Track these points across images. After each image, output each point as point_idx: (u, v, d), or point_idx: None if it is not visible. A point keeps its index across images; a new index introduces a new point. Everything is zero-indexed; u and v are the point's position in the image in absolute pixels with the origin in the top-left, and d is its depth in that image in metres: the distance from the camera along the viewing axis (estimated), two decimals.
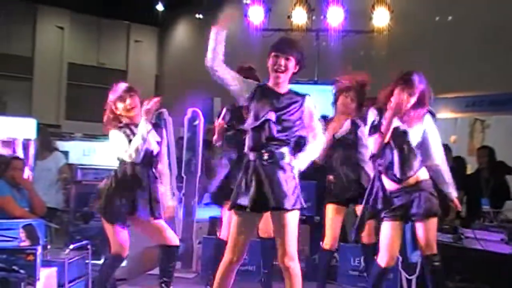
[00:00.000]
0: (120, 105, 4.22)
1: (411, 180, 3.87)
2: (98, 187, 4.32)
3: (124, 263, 5.73)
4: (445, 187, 3.99)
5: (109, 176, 4.28)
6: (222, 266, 3.58)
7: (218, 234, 4.94)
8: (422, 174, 3.91)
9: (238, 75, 3.65)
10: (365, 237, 4.71)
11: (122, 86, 4.28)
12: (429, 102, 3.93)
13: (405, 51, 8.75)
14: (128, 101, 4.22)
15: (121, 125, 4.23)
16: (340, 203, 4.68)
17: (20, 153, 6.22)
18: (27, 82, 16.83)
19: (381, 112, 3.95)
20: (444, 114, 8.76)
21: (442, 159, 4.00)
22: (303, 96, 3.60)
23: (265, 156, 3.47)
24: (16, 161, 5.57)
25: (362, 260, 5.13)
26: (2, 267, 3.90)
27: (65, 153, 6.67)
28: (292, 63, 3.54)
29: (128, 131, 4.20)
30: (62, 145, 6.98)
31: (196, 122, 6.03)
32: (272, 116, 3.48)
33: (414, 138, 3.88)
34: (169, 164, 5.85)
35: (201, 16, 15.59)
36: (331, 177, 4.76)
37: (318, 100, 4.12)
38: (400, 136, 3.87)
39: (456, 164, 6.97)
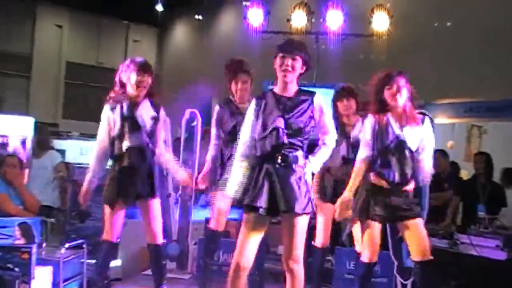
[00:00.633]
0: (133, 77, 4.23)
1: (404, 186, 3.92)
2: None
3: (119, 263, 5.74)
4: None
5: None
6: (230, 272, 3.55)
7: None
8: (412, 184, 3.97)
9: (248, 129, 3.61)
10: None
11: (143, 61, 4.29)
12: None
13: (404, 56, 8.75)
14: (141, 77, 4.23)
15: (116, 99, 4.24)
16: (331, 202, 4.69)
17: (20, 151, 6.21)
18: (25, 80, 16.80)
19: (378, 118, 3.96)
20: (442, 119, 8.77)
21: (430, 169, 4.00)
22: (312, 94, 3.59)
23: (279, 160, 3.46)
24: (9, 158, 5.55)
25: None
26: None
27: (62, 152, 6.66)
28: (299, 63, 3.54)
29: (118, 110, 4.21)
30: (59, 143, 6.97)
31: (194, 123, 6.03)
32: (280, 123, 3.47)
33: (413, 143, 3.89)
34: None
35: (200, 17, 15.59)
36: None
37: None
38: (399, 144, 3.88)
39: (452, 171, 7.00)
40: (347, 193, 3.93)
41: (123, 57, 18.16)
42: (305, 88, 3.67)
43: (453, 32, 9.17)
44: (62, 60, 17.45)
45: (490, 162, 6.59)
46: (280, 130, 3.46)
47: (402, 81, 3.88)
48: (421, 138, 3.93)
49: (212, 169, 4.83)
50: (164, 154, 4.49)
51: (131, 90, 4.27)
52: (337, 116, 4.84)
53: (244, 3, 8.59)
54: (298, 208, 3.43)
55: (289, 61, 3.51)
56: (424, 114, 4.02)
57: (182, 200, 5.98)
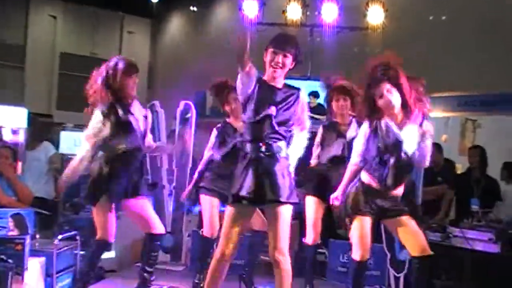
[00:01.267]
0: (117, 81, 4.25)
1: (392, 192, 3.89)
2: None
3: (113, 255, 5.75)
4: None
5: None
6: (213, 260, 3.58)
7: (201, 232, 4.94)
8: (401, 188, 3.95)
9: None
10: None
11: (130, 62, 4.36)
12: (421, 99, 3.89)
13: (398, 50, 8.69)
14: (131, 79, 4.29)
15: (107, 103, 4.23)
16: (320, 197, 4.71)
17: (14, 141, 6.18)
18: (18, 71, 16.70)
19: (373, 123, 3.89)
20: (436, 113, 8.78)
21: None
22: (297, 89, 3.67)
23: (263, 149, 3.49)
24: (2, 150, 5.52)
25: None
26: None
27: (56, 143, 6.63)
28: (289, 60, 3.57)
29: (112, 113, 4.20)
30: (52, 134, 6.95)
31: (188, 115, 6.03)
32: (273, 110, 3.51)
33: (410, 145, 3.78)
34: (160, 157, 5.87)
35: (195, 8, 15.53)
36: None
37: (311, 95, 4.14)
38: (397, 147, 3.80)
39: (447, 165, 7.01)
40: (338, 193, 4.01)
41: (118, 48, 18.11)
42: (289, 84, 3.71)
43: (447, 25, 9.16)
44: (56, 51, 17.35)
45: (485, 156, 6.61)
46: (273, 117, 3.50)
47: (387, 86, 3.76)
48: (420, 141, 3.79)
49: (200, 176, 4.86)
50: (151, 145, 4.52)
51: (121, 91, 4.26)
52: (330, 114, 4.85)
53: None
54: (283, 197, 3.45)
55: (280, 58, 3.54)
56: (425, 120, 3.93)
57: (176, 191, 5.98)
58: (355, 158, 4.01)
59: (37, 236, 4.88)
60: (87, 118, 4.25)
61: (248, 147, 3.53)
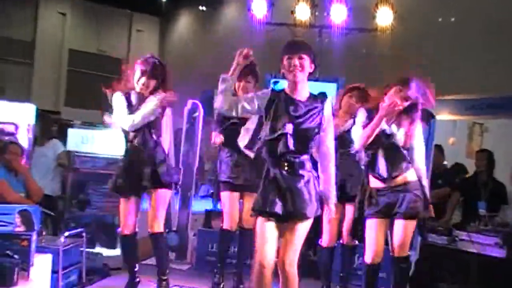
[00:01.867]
0: (136, 76, 4.38)
1: (399, 180, 3.99)
2: None
3: (118, 252, 5.76)
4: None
5: None
6: (255, 272, 3.51)
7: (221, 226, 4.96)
8: (410, 175, 4.01)
9: (248, 95, 3.61)
10: (345, 238, 4.77)
11: (150, 63, 4.43)
12: (430, 105, 4.00)
13: (407, 52, 8.73)
14: (143, 80, 4.36)
15: (126, 90, 4.37)
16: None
17: (24, 138, 6.20)
18: (27, 67, 16.77)
19: (371, 112, 4.03)
20: (444, 116, 8.75)
21: (422, 163, 4.07)
22: (323, 100, 3.56)
23: (285, 167, 3.44)
24: (13, 146, 5.54)
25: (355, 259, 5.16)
26: None
27: (63, 140, 6.64)
28: (306, 62, 3.46)
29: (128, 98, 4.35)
30: (60, 131, 6.96)
31: (196, 114, 6.03)
32: (289, 128, 3.42)
33: (401, 138, 3.96)
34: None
35: (204, 7, 15.55)
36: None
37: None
38: (386, 138, 3.96)
39: (456, 169, 7.00)
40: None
41: (126, 46, 18.16)
42: (316, 94, 3.63)
43: (455, 27, 9.15)
44: (65, 47, 17.42)
45: (492, 159, 6.58)
46: (288, 136, 3.41)
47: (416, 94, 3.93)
48: (410, 133, 3.97)
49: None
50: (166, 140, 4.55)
51: (136, 86, 4.40)
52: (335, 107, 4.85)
53: None
54: (306, 213, 3.42)
55: (296, 61, 3.44)
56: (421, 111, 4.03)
57: (182, 190, 5.99)
58: (358, 142, 4.06)
59: (44, 232, 4.89)
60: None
61: (270, 162, 3.49)
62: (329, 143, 3.58)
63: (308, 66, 3.49)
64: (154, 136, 4.39)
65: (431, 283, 5.10)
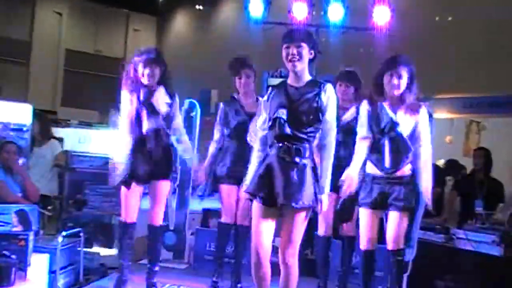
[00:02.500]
0: (140, 69, 4.38)
1: (397, 173, 3.95)
2: None
3: (115, 252, 5.75)
4: (424, 176, 4.00)
5: None
6: (252, 263, 3.52)
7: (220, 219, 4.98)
8: (408, 169, 3.98)
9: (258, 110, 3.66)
10: (344, 230, 4.77)
11: (151, 52, 4.46)
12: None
13: (404, 50, 8.71)
14: (147, 70, 4.36)
15: (133, 85, 4.39)
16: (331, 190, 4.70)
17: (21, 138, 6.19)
18: (23, 67, 16.74)
19: (373, 104, 4.02)
20: (441, 114, 8.77)
21: (429, 153, 4.02)
22: (321, 84, 3.48)
23: (281, 152, 3.42)
24: (9, 145, 5.53)
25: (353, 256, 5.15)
26: None
27: (60, 140, 6.63)
28: (305, 50, 3.43)
29: (135, 95, 4.37)
30: (57, 131, 6.94)
31: (193, 113, 6.02)
32: (282, 113, 3.40)
33: (405, 128, 3.92)
34: None
35: (201, 7, 15.54)
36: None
37: None
38: (392, 128, 3.91)
39: (449, 165, 7.01)
40: (350, 170, 3.93)
41: (123, 46, 18.14)
42: (317, 79, 3.58)
43: (453, 27, 9.16)
44: (62, 47, 17.39)
45: (490, 157, 6.58)
46: (282, 120, 3.39)
47: (404, 70, 3.89)
48: (415, 125, 3.94)
49: (211, 164, 4.88)
50: (183, 136, 4.64)
51: (142, 79, 4.41)
52: None
53: None
54: (296, 202, 3.36)
55: (294, 50, 3.41)
56: (421, 103, 4.02)
57: (179, 190, 5.98)
58: (361, 131, 4.05)
59: (41, 232, 4.88)
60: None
61: (269, 150, 3.48)
62: (327, 130, 3.48)
63: (307, 54, 3.46)
64: (162, 130, 4.45)
65: (428, 281, 5.11)
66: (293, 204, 3.37)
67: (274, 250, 3.63)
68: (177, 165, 6.01)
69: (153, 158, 4.40)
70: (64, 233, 4.77)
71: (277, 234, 3.60)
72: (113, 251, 5.70)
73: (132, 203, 4.45)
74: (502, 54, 8.24)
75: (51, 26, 17.26)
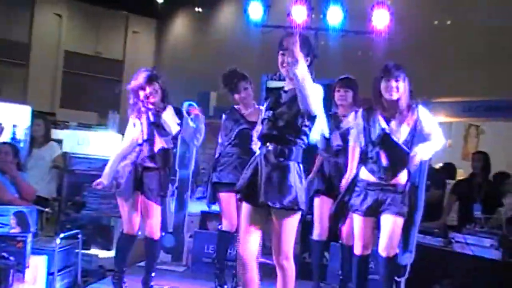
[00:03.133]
0: (141, 93, 4.44)
1: (392, 180, 3.93)
2: None
3: (114, 254, 5.75)
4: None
5: None
6: (238, 266, 3.58)
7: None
8: (403, 177, 3.96)
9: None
10: (345, 238, 4.77)
11: (143, 75, 4.46)
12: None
13: (403, 54, 8.74)
14: (147, 89, 4.42)
15: (142, 110, 4.46)
16: (327, 195, 4.73)
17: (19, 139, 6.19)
18: (23, 68, 16.73)
19: (369, 113, 4.01)
20: (440, 118, 8.77)
21: (439, 143, 3.99)
22: None
23: (265, 152, 3.44)
24: (3, 146, 5.52)
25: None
26: None
27: (59, 142, 6.63)
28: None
29: (145, 118, 4.45)
30: (56, 133, 6.94)
31: (192, 116, 6.02)
32: (268, 114, 3.45)
33: (401, 134, 3.91)
34: None
35: (200, 9, 15.55)
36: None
37: None
38: (387, 139, 3.90)
39: (446, 169, 7.03)
40: (348, 174, 4.09)
41: (122, 48, 18.15)
42: None
43: (452, 31, 9.17)
44: (61, 49, 17.37)
45: (488, 161, 6.59)
46: (268, 121, 3.44)
47: (400, 76, 3.88)
48: (414, 128, 3.93)
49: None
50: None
51: (146, 100, 4.48)
52: (334, 107, 4.88)
53: None
54: (274, 202, 3.35)
55: (289, 58, 3.39)
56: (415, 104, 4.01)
57: (178, 192, 5.99)
58: (353, 138, 4.13)
59: (39, 234, 4.88)
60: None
61: (259, 150, 3.54)
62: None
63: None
64: (160, 140, 4.48)
65: (426, 285, 5.10)
66: (270, 204, 3.36)
67: (271, 252, 3.63)
68: (176, 168, 6.04)
69: (159, 177, 4.48)
70: (62, 235, 4.77)
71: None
72: (112, 253, 5.69)
73: (136, 216, 4.50)
74: (501, 57, 8.25)
75: (51, 28, 17.25)
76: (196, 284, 5.12)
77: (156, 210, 4.51)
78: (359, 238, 4.07)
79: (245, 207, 3.51)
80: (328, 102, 4.98)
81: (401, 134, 3.92)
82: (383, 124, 3.94)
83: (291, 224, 3.45)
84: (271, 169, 3.41)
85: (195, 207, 6.36)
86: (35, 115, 6.41)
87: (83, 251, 5.08)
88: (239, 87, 4.80)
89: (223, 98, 5.01)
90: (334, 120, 4.83)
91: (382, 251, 4.01)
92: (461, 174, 7.59)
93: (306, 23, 7.60)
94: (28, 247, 4.05)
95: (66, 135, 6.68)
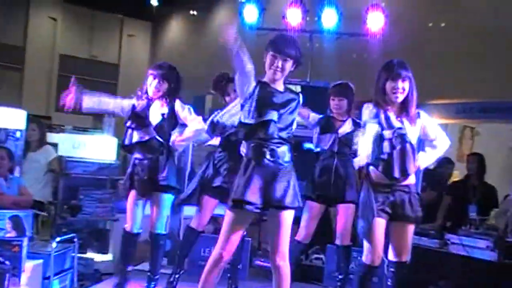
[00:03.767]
0: (149, 80, 4.53)
1: (404, 181, 3.80)
2: None
3: (110, 257, 5.75)
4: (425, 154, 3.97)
5: None
6: (210, 261, 3.56)
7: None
8: (412, 177, 3.88)
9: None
10: (339, 239, 4.80)
11: (162, 68, 4.59)
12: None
13: (397, 56, 8.74)
14: (155, 81, 4.51)
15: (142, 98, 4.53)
16: (317, 200, 4.76)
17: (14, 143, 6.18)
18: (17, 72, 16.70)
19: (378, 108, 3.80)
20: (434, 119, 8.78)
21: (445, 142, 4.01)
22: (297, 94, 3.62)
23: (267, 155, 3.44)
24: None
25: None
26: None
27: (55, 145, 6.62)
28: (289, 64, 3.50)
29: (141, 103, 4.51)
30: (51, 137, 6.93)
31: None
32: (274, 115, 3.44)
33: (413, 136, 3.82)
34: None
35: (195, 12, 15.55)
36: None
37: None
38: (400, 137, 3.75)
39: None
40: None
41: (117, 51, 18.13)
42: (289, 87, 3.69)
43: (446, 32, 9.19)
44: (56, 52, 17.35)
45: (483, 163, 6.62)
46: (273, 123, 3.44)
47: (406, 75, 3.78)
48: (420, 132, 3.88)
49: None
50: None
51: (148, 91, 4.54)
52: (329, 111, 4.90)
53: None
54: (286, 202, 3.43)
55: (279, 62, 3.47)
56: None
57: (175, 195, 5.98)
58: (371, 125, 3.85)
59: (35, 238, 4.87)
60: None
61: (250, 151, 3.50)
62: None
63: (290, 67, 3.52)
64: (160, 139, 4.48)
65: (422, 286, 5.12)
66: (285, 205, 3.44)
67: (267, 255, 3.65)
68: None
69: (148, 171, 4.47)
70: (58, 239, 4.76)
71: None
72: (108, 257, 5.69)
73: (135, 214, 4.54)
74: (496, 59, 8.27)
75: (46, 31, 17.22)
76: (192, 287, 5.11)
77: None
78: (374, 246, 3.80)
79: (242, 213, 3.47)
80: (322, 105, 5.04)
81: (411, 135, 3.81)
82: (397, 123, 3.77)
83: (288, 223, 3.52)
84: (275, 171, 3.45)
85: (191, 210, 6.35)
86: (30, 119, 6.39)
87: (79, 255, 5.08)
88: (228, 89, 4.81)
89: (218, 101, 5.01)
90: (328, 122, 4.85)
91: (397, 255, 3.88)
92: (456, 176, 7.60)
93: (301, 26, 7.62)
94: (24, 251, 4.04)
95: (62, 138, 6.66)
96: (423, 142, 4.04)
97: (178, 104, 4.58)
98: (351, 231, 4.79)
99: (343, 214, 4.77)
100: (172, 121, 4.56)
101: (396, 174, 3.73)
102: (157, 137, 4.46)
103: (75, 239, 4.96)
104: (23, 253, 4.02)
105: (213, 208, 4.79)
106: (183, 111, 4.58)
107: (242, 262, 5.21)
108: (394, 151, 3.74)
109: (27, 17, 16.84)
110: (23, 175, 5.93)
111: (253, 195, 3.42)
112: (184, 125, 4.61)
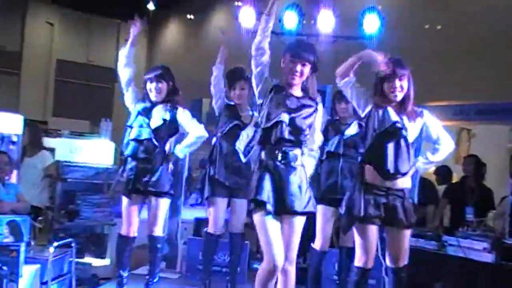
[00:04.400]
0: (148, 85, 4.57)
1: (400, 183, 3.74)
2: None
3: (108, 262, 5.74)
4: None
5: None
6: (265, 273, 3.46)
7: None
8: (408, 181, 3.83)
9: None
10: (343, 241, 4.78)
11: (158, 70, 4.66)
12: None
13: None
14: (154, 84, 4.54)
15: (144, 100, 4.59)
16: (329, 204, 4.74)
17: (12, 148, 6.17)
18: (14, 77, 16.70)
19: (378, 108, 3.78)
20: (438, 121, 8.79)
21: (449, 144, 3.96)
22: (316, 102, 3.60)
23: (279, 157, 3.45)
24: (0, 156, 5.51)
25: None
26: None
27: (52, 150, 6.62)
28: (307, 69, 3.53)
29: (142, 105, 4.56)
30: (48, 141, 6.93)
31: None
32: (285, 117, 3.44)
33: (411, 133, 3.78)
34: None
35: (192, 16, 15.56)
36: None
37: None
38: (397, 131, 3.72)
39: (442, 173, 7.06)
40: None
41: (114, 56, 18.11)
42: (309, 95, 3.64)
43: (442, 35, 9.21)
44: (53, 57, 17.36)
45: (480, 164, 6.63)
46: (284, 124, 3.44)
47: (404, 74, 3.78)
48: (420, 132, 3.85)
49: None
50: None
51: (150, 94, 4.59)
52: (334, 115, 4.91)
53: (236, 3, 8.57)
54: (299, 207, 3.43)
55: (298, 67, 3.49)
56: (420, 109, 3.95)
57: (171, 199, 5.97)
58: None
59: (32, 243, 4.87)
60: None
61: (263, 153, 3.51)
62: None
63: (308, 72, 3.55)
64: (158, 144, 4.50)
65: None
66: (297, 209, 3.44)
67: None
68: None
69: (143, 174, 4.50)
70: (55, 244, 4.76)
71: None
72: (105, 262, 5.68)
73: (131, 217, 4.55)
74: (492, 61, 8.29)
75: (43, 36, 17.23)
76: None
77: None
78: (365, 248, 3.77)
79: (266, 216, 3.43)
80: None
81: (410, 133, 3.76)
82: (395, 117, 3.72)
83: (300, 227, 3.53)
84: (287, 174, 3.45)
85: (189, 213, 6.36)
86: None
87: (76, 259, 5.07)
88: (237, 84, 4.82)
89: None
90: (334, 126, 4.85)
91: (394, 261, 3.85)
92: (453, 178, 7.60)
93: (297, 29, 7.63)
94: (22, 257, 4.04)
95: (59, 143, 6.65)
96: (421, 145, 4.03)
97: (180, 111, 4.62)
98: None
99: None
100: (171, 127, 4.59)
101: (390, 168, 3.67)
102: (153, 139, 4.46)
103: (73, 244, 4.96)
104: (20, 258, 4.02)
105: (225, 209, 4.79)
106: (185, 118, 4.61)
107: (240, 266, 5.22)
108: (388, 144, 3.70)
109: (24, 22, 16.85)
110: (19, 181, 5.92)
111: (266, 198, 3.41)
112: (182, 134, 4.64)
